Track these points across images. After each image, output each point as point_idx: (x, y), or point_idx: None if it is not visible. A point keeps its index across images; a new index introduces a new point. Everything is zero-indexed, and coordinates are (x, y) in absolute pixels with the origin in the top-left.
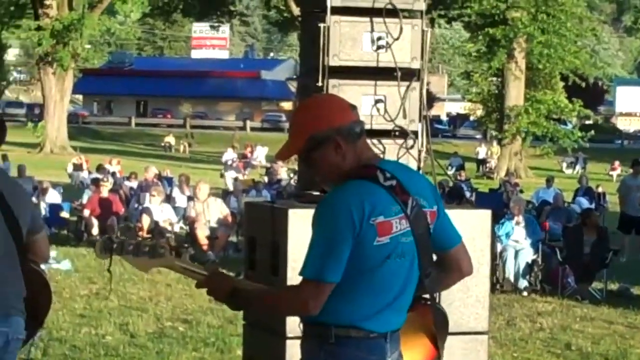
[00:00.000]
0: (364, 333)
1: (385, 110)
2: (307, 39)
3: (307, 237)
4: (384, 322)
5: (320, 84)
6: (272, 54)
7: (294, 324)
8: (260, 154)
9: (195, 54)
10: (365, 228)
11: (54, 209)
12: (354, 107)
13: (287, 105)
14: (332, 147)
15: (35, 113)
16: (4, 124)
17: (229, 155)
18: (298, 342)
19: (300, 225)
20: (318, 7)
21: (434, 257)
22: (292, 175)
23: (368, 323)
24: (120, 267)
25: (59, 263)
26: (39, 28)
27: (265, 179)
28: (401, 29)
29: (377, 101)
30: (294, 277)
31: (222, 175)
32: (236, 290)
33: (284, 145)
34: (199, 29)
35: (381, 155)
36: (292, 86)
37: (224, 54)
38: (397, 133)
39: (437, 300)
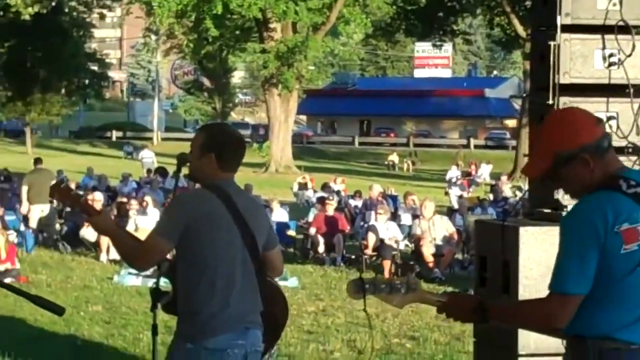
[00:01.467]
0: (621, 344)
1: (618, 127)
2: (536, 57)
3: (538, 254)
4: None
5: (550, 102)
6: (495, 72)
7: (525, 340)
8: (484, 172)
9: (418, 73)
10: (610, 237)
11: (281, 227)
12: (599, 121)
13: (511, 123)
14: (580, 163)
15: (260, 134)
16: (244, 143)
17: (453, 172)
18: (530, 359)
19: (531, 243)
20: (548, 25)
21: None
22: (517, 192)
23: (625, 333)
24: (346, 284)
25: (286, 280)
26: (264, 51)
27: (490, 196)
28: (634, 45)
29: (609, 118)
30: (525, 294)
31: (446, 193)
32: (483, 304)
33: (529, 162)
34: (422, 48)
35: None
36: (516, 104)
37: (446, 73)
38: (630, 150)
39: None
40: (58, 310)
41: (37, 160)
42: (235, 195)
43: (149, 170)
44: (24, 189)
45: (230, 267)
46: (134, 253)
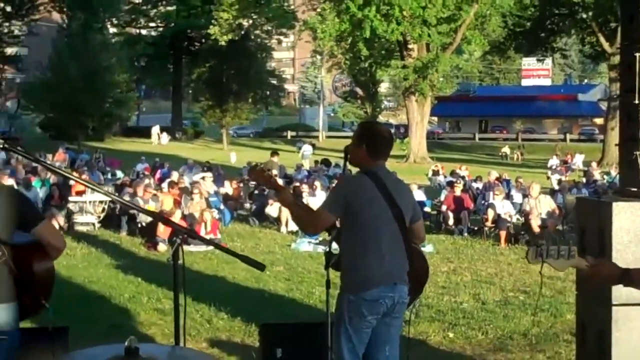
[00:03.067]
0: None
1: None
2: (624, 66)
3: (628, 224)
4: None
5: (636, 101)
6: (586, 80)
7: (618, 292)
8: (578, 160)
9: (525, 82)
10: None
11: (419, 205)
12: None
13: (599, 121)
14: None
15: (401, 132)
16: (391, 138)
17: (554, 161)
18: (623, 308)
19: (622, 215)
20: (634, 40)
21: None
22: (604, 176)
23: None
24: (471, 250)
25: (424, 247)
26: (404, 67)
27: (583, 179)
28: None
29: None
30: (617, 256)
31: (548, 178)
32: (627, 271)
33: None
34: (528, 62)
35: None
36: (603, 105)
37: (547, 82)
38: None
39: None
40: (260, 267)
41: (273, 153)
42: (385, 178)
43: (316, 162)
44: None
45: (382, 234)
46: (305, 221)
